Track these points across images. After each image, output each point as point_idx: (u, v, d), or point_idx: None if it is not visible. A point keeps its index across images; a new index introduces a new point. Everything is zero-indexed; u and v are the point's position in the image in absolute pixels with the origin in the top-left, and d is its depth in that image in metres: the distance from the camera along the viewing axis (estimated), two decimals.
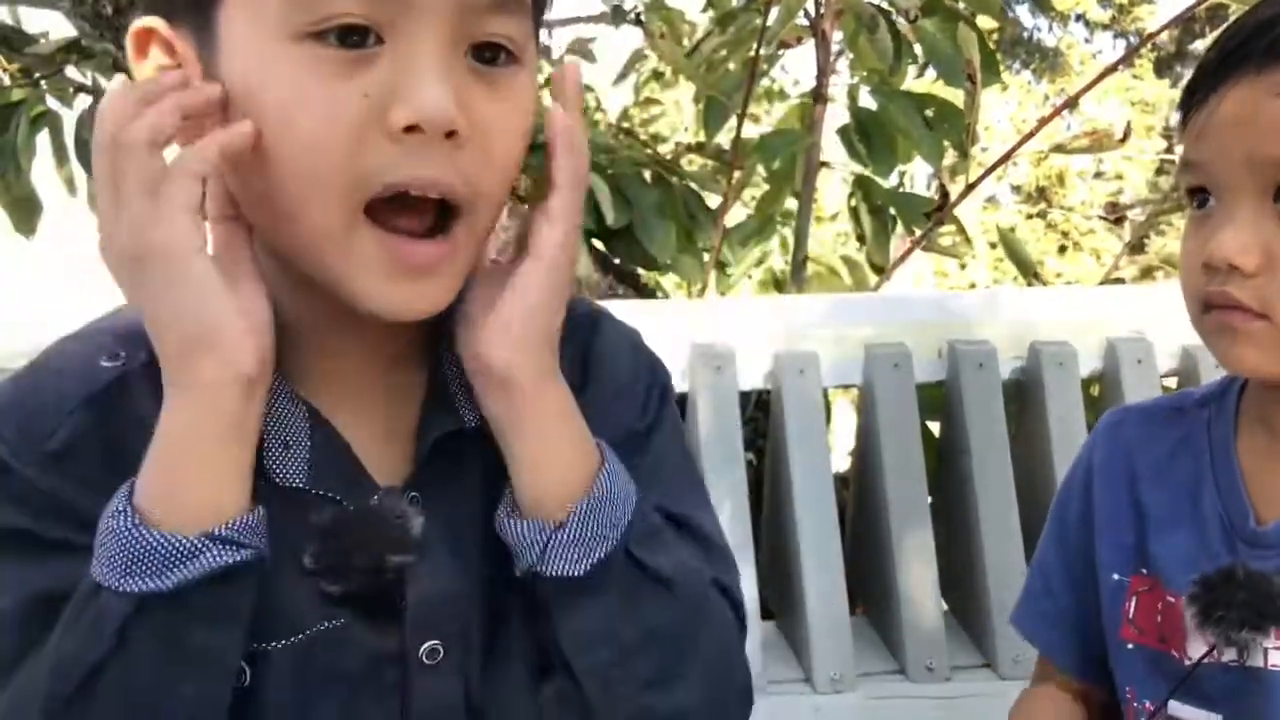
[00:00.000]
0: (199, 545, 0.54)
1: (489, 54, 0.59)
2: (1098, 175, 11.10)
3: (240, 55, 0.57)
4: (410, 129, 0.56)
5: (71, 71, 2.20)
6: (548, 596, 0.62)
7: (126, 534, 0.54)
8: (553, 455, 0.63)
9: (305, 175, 0.57)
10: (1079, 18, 12.53)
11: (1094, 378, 1.97)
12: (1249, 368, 0.74)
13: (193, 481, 0.56)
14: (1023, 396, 1.92)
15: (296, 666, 0.61)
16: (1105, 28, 12.29)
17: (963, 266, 10.03)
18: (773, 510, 1.88)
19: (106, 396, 0.61)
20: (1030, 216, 12.16)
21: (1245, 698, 0.75)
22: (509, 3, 0.59)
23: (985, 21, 2.45)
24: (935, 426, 1.99)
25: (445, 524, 0.65)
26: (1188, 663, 0.76)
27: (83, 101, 2.23)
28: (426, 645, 0.64)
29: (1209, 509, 0.79)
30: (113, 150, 0.55)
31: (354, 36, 0.56)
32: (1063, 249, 11.80)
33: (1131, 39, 11.39)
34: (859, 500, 1.94)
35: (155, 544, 0.54)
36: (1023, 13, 12.98)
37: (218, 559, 0.55)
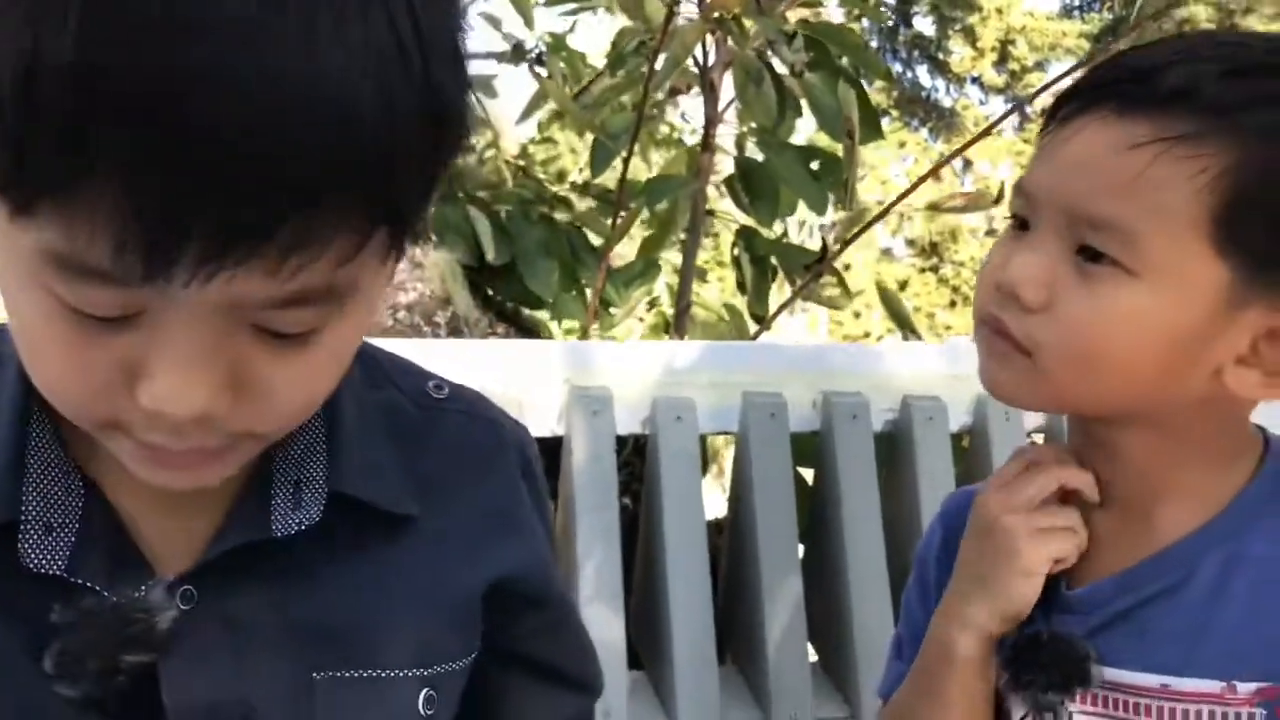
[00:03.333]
0: None
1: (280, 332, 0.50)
2: (989, 233, 11.52)
3: None
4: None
5: None
6: None
7: None
8: None
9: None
10: (975, 80, 13.02)
11: (964, 432, 2.00)
12: (1003, 394, 0.73)
13: None
14: (894, 449, 1.94)
15: None
16: (999, 92, 12.79)
17: (856, 315, 10.27)
18: (645, 557, 1.86)
19: None
20: (923, 270, 12.53)
21: None
22: (302, 298, 0.47)
23: (877, 83, 2.50)
24: (810, 474, 2.00)
25: (226, 624, 0.60)
26: None
27: None
28: None
29: None
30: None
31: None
32: (953, 303, 12.17)
33: (1024, 103, 11.88)
34: (732, 548, 1.93)
35: None
36: (922, 73, 13.45)
37: None
